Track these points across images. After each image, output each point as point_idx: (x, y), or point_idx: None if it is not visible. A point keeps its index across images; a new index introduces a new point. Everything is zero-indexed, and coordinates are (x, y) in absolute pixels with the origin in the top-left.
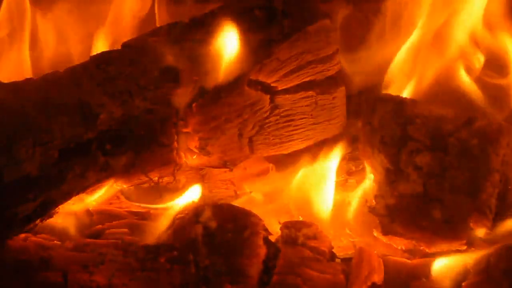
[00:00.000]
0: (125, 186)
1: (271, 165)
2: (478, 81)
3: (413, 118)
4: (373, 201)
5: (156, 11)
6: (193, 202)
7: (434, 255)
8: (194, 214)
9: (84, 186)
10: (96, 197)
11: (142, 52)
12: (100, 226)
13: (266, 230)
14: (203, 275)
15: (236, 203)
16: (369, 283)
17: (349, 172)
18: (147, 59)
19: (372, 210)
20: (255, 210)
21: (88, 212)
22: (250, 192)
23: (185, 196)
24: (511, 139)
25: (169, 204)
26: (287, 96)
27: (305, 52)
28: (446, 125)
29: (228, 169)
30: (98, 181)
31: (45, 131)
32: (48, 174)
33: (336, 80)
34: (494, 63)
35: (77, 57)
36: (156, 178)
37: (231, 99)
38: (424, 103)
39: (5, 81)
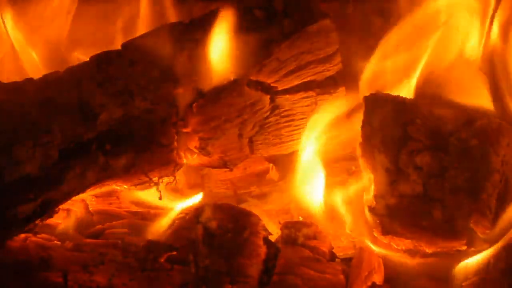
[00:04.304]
0: (125, 186)
1: (271, 165)
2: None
3: (413, 118)
4: (373, 201)
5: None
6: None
7: (434, 255)
8: (194, 214)
9: (84, 186)
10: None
11: (142, 52)
12: (100, 226)
13: (266, 230)
14: (203, 275)
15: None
16: (369, 283)
17: (349, 172)
18: (147, 59)
19: (372, 210)
20: (255, 210)
21: (88, 212)
22: (250, 192)
23: (186, 201)
24: (511, 139)
25: (169, 204)
26: (287, 96)
27: (305, 52)
28: (446, 125)
29: (228, 169)
30: (98, 181)
31: (45, 131)
32: (48, 174)
33: (336, 80)
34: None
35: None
36: (156, 178)
37: (231, 99)
38: (424, 103)
39: (5, 81)
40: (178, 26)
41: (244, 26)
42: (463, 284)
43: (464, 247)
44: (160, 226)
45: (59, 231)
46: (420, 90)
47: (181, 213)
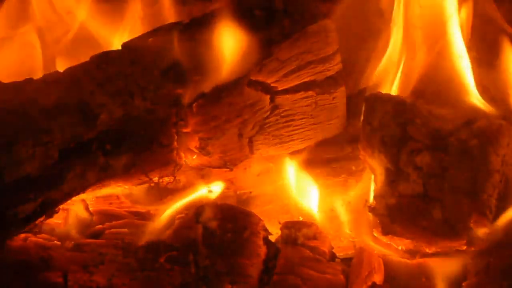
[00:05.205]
0: (125, 186)
1: (271, 165)
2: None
3: (413, 118)
4: (373, 201)
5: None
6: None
7: (434, 255)
8: (194, 214)
9: (84, 186)
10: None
11: (142, 52)
12: (100, 226)
13: (266, 230)
14: (203, 275)
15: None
16: (369, 283)
17: (349, 172)
18: (147, 59)
19: (372, 210)
20: (255, 210)
21: (88, 212)
22: (250, 192)
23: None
24: (511, 139)
25: (169, 204)
26: (287, 96)
27: (305, 52)
28: (446, 125)
29: (228, 169)
30: (98, 181)
31: (45, 131)
32: (48, 174)
33: (336, 80)
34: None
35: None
36: (156, 178)
37: (231, 99)
38: (424, 103)
39: (5, 81)
40: (178, 26)
41: (244, 26)
42: (463, 284)
43: (464, 247)
44: (160, 226)
45: (59, 231)
46: (421, 90)
47: (181, 213)
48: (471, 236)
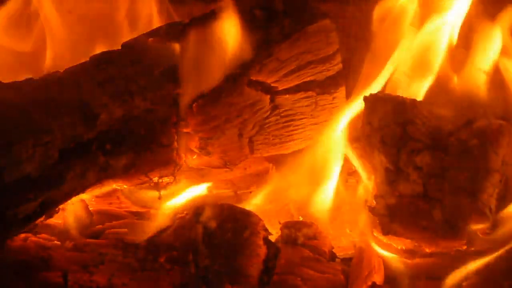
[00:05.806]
0: (125, 186)
1: (271, 165)
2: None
3: (413, 118)
4: (373, 201)
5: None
6: (193, 201)
7: (434, 255)
8: (194, 214)
9: (84, 186)
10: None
11: (142, 52)
12: (100, 226)
13: (266, 230)
14: (203, 275)
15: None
16: (369, 283)
17: (349, 172)
18: (147, 59)
19: (372, 210)
20: (255, 210)
21: (88, 212)
22: (250, 192)
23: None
24: (511, 139)
25: (169, 204)
26: (287, 96)
27: (305, 52)
28: (446, 125)
29: (228, 169)
30: (98, 181)
31: (45, 131)
32: (48, 174)
33: (336, 80)
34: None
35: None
36: (156, 178)
37: (231, 99)
38: (424, 103)
39: (5, 81)
40: (178, 26)
41: (244, 26)
42: (463, 284)
43: (464, 247)
44: (160, 226)
45: (59, 231)
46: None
47: (181, 213)
48: (471, 236)
